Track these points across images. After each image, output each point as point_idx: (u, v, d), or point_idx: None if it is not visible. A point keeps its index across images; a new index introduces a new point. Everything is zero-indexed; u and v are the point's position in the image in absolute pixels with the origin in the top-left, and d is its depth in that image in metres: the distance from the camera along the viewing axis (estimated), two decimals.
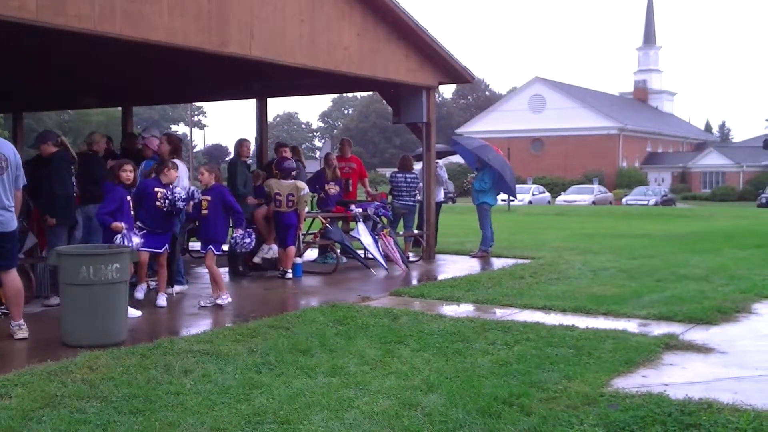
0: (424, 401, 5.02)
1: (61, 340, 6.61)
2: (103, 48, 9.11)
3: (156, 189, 8.35)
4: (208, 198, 8.48)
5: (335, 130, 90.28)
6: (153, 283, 9.02)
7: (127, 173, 8.03)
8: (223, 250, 8.80)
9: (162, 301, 8.47)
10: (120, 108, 17.76)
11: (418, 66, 12.28)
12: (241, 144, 10.93)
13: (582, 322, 7.48)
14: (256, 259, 10.88)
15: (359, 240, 11.38)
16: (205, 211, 8.48)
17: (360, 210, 11.69)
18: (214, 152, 75.99)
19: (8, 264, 6.78)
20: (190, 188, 8.64)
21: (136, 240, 7.72)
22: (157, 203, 8.25)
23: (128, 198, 7.98)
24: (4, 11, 6.84)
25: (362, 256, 11.58)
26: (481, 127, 65.86)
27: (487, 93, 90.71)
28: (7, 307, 7.37)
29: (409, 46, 11.98)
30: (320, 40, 10.37)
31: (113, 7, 7.70)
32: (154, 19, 8.13)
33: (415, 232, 13.10)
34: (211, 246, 8.48)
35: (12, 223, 6.71)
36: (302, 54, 10.10)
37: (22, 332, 6.80)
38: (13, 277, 6.82)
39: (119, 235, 7.58)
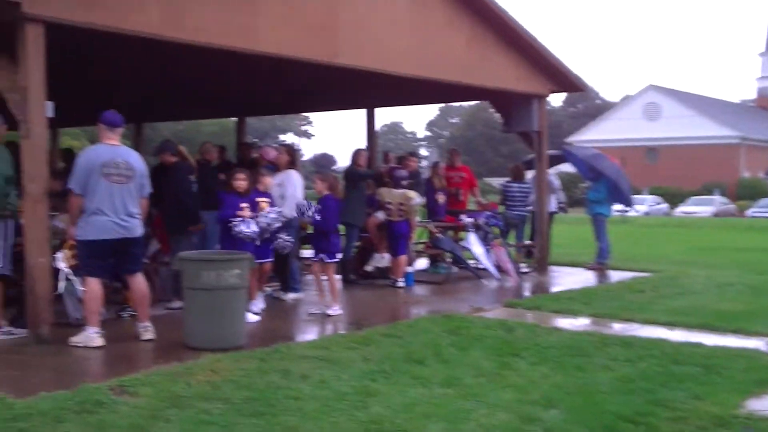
0: (544, 416, 4.90)
1: (184, 343, 6.80)
2: (218, 60, 9.39)
3: (258, 199, 8.34)
4: (320, 207, 8.50)
5: (441, 140, 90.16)
6: (269, 290, 9.19)
7: (240, 182, 8.20)
8: (336, 259, 8.82)
9: (259, 304, 8.57)
10: (232, 118, 18.18)
11: (528, 74, 12.09)
12: (358, 153, 10.99)
13: (709, 339, 7.15)
14: (368, 268, 10.94)
15: (470, 250, 11.28)
16: (318, 218, 8.46)
17: (471, 220, 11.60)
18: (322, 161, 77.20)
19: (135, 268, 7.07)
20: (302, 203, 8.70)
21: (254, 227, 7.90)
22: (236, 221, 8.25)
23: (242, 205, 8.15)
24: (128, 25, 7.19)
25: (473, 266, 11.49)
26: (592, 135, 64.33)
27: (597, 101, 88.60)
28: (133, 309, 7.69)
29: (519, 54, 11.81)
30: (429, 50, 10.35)
31: (228, 20, 7.95)
32: (267, 31, 8.34)
33: (527, 242, 12.88)
34: (322, 255, 8.53)
35: (138, 229, 6.98)
36: (411, 64, 10.11)
37: (149, 333, 7.05)
38: (140, 280, 7.10)
39: (238, 220, 7.82)
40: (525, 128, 12.65)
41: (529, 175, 13.24)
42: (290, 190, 9.08)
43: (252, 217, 8.04)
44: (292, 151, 9.81)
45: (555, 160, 14.22)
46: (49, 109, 6.77)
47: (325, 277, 8.65)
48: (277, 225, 8.22)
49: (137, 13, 7.24)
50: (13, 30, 6.58)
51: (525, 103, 12.41)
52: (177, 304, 8.47)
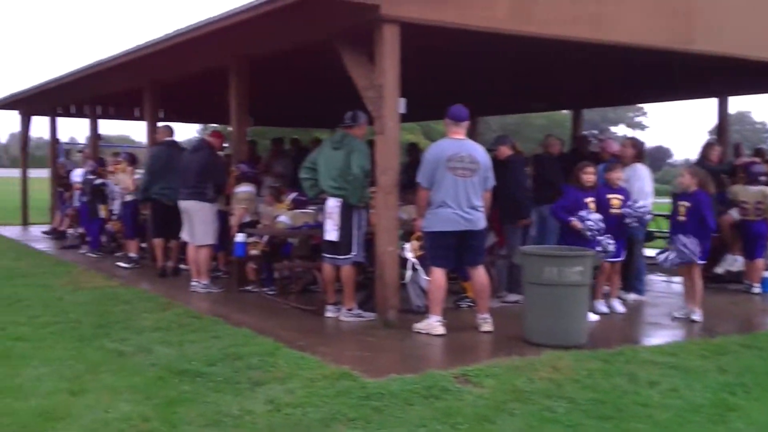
0: None
1: (523, 337, 6.75)
2: (561, 52, 9.22)
3: (609, 196, 8.11)
4: (687, 204, 7.80)
5: None
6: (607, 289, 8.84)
7: (588, 175, 7.97)
8: (704, 261, 8.12)
9: (618, 306, 8.25)
10: (562, 111, 17.79)
11: None
12: (710, 147, 10.14)
13: None
14: (718, 270, 10.07)
15: None
16: (682, 218, 7.82)
17: None
18: (656, 154, 73.42)
19: (477, 260, 7.16)
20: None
21: (607, 244, 7.65)
22: (612, 210, 8.02)
23: (586, 200, 7.90)
24: (476, 21, 7.31)
25: None
26: None
27: None
28: (473, 300, 7.83)
29: None
30: None
31: (578, 11, 7.76)
32: (618, 20, 8.02)
33: None
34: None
35: (481, 222, 7.07)
36: None
37: (488, 325, 7.12)
38: (481, 272, 7.18)
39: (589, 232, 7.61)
40: None
41: None
42: (637, 185, 8.59)
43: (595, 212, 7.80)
44: (638, 144, 9.28)
45: None
46: (401, 105, 7.11)
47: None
48: (601, 227, 7.83)
49: (486, 9, 7.35)
50: (371, 31, 7.01)
51: None
52: (512, 297, 8.56)
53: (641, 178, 8.68)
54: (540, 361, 5.85)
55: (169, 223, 10.13)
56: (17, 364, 5.87)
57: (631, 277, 8.83)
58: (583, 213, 7.77)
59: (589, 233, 7.67)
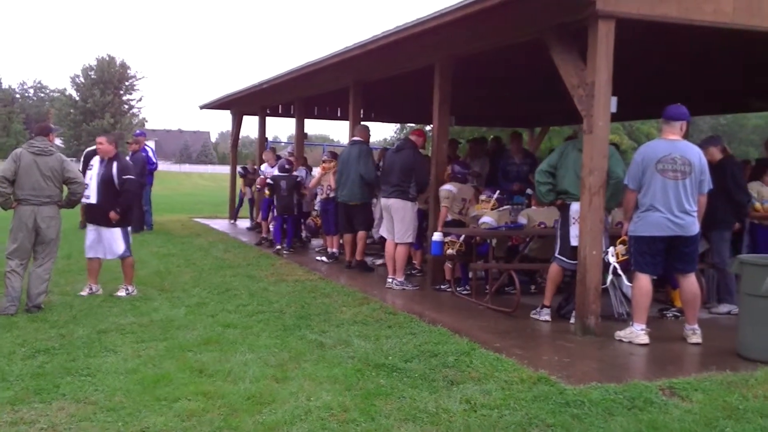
0: None
1: (736, 351, 6.32)
2: None
3: None
4: None
5: None
6: None
7: None
8: None
9: None
10: None
11: None
12: None
13: None
14: None
15: None
16: None
17: None
18: None
19: (688, 268, 6.77)
20: None
21: None
22: None
23: None
24: (700, 16, 6.89)
25: None
26: None
27: None
28: (680, 310, 7.39)
29: None
30: None
31: None
32: None
33: None
34: None
35: (693, 227, 6.67)
36: None
37: (696, 337, 6.73)
38: (692, 281, 6.79)
39: None
40: None
41: None
42: None
43: None
44: None
45: None
46: (613, 104, 6.79)
47: None
48: None
49: (712, 2, 6.85)
50: (584, 27, 6.75)
51: None
52: (723, 308, 8.11)
53: None
54: (756, 378, 5.47)
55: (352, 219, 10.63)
56: (227, 349, 6.22)
57: None
58: None
59: None
